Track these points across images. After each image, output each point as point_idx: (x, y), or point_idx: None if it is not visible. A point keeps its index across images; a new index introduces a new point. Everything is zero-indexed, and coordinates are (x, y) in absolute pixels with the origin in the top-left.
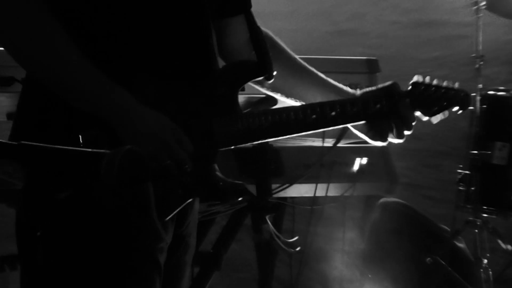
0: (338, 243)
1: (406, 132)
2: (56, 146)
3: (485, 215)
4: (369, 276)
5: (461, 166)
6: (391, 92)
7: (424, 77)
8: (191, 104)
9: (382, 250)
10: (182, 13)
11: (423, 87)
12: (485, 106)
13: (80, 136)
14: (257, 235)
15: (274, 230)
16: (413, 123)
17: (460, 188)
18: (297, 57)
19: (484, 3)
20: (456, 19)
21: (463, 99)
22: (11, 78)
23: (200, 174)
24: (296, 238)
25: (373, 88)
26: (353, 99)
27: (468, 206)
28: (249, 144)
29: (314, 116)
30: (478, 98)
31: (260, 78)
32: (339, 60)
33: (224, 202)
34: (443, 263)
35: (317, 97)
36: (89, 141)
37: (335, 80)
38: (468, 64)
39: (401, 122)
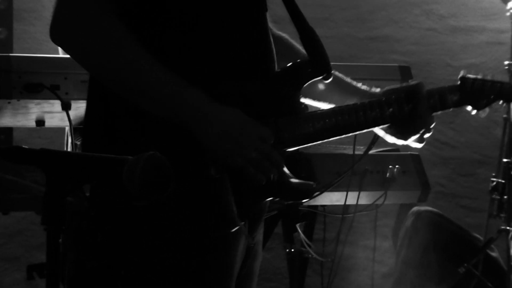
0: (369, 252)
1: (427, 135)
2: (78, 152)
3: None
4: (402, 284)
5: (494, 174)
6: (414, 93)
7: (468, 71)
8: (257, 104)
9: (415, 259)
10: (249, 14)
11: (471, 81)
12: None
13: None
14: (288, 244)
15: (305, 238)
16: (432, 126)
17: (494, 196)
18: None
19: None
20: (492, 25)
21: (509, 92)
22: (40, 85)
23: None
24: (327, 247)
25: (397, 86)
26: (375, 101)
27: (502, 215)
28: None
29: (373, 113)
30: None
31: (319, 78)
32: (372, 67)
33: (296, 200)
34: (476, 272)
35: (345, 101)
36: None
37: (367, 86)
38: (504, 71)
39: (422, 124)
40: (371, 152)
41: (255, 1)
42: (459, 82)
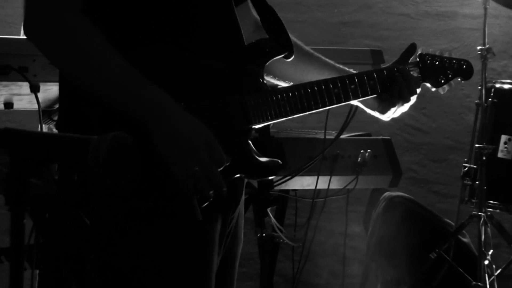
0: (340, 237)
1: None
2: (42, 132)
3: (490, 209)
4: (373, 269)
5: (466, 160)
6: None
7: (426, 49)
8: (224, 80)
9: (386, 244)
10: None
11: (429, 58)
12: (491, 99)
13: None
14: (259, 228)
15: (276, 223)
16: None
17: (465, 182)
18: (303, 44)
19: None
20: (465, 11)
21: (466, 69)
22: (8, 67)
23: (236, 151)
24: (298, 232)
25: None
26: (362, 73)
27: (473, 200)
28: (254, 133)
29: (336, 90)
30: (484, 91)
31: (281, 56)
32: (344, 50)
33: (262, 177)
34: (447, 257)
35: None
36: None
37: None
38: (476, 57)
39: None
40: (342, 136)
41: None
42: (417, 59)
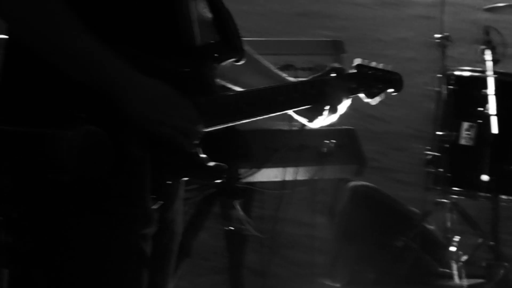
0: (307, 228)
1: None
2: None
3: (454, 196)
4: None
5: (428, 148)
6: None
7: (363, 60)
8: (174, 83)
9: (352, 234)
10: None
11: (364, 69)
12: (450, 86)
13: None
14: (226, 222)
15: (244, 215)
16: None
17: (429, 170)
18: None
19: None
20: None
21: (397, 82)
22: None
23: (185, 154)
24: (264, 224)
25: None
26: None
27: (437, 188)
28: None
29: (281, 98)
30: (444, 78)
31: (232, 60)
32: (304, 42)
33: (208, 181)
34: (414, 245)
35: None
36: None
37: (301, 61)
38: (434, 45)
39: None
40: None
41: None
42: (355, 70)
